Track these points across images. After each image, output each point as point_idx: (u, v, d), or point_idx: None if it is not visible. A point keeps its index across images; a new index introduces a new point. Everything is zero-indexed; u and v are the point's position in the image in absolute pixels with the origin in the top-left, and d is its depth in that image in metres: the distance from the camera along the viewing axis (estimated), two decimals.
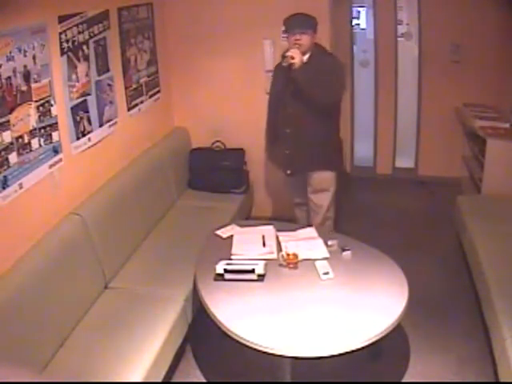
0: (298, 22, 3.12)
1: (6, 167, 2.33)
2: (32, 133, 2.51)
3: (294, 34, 3.10)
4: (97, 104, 3.12)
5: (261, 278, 2.60)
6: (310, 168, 3.37)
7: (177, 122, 4.35)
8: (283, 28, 3.18)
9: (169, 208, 3.78)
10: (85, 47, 2.96)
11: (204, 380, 2.77)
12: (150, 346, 2.40)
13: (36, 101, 2.53)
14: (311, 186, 3.42)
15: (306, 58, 3.14)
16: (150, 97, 3.88)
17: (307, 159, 3.33)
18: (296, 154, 3.33)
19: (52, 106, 2.66)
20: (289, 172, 3.42)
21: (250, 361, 2.73)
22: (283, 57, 3.10)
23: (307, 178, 3.42)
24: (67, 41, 2.78)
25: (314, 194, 3.44)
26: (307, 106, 3.14)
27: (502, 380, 2.40)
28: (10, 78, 2.33)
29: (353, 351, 2.18)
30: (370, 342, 2.21)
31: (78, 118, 2.93)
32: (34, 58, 2.49)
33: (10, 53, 2.32)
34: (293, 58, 3.04)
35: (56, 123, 2.71)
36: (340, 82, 3.19)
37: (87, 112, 3.02)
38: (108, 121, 3.26)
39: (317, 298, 2.48)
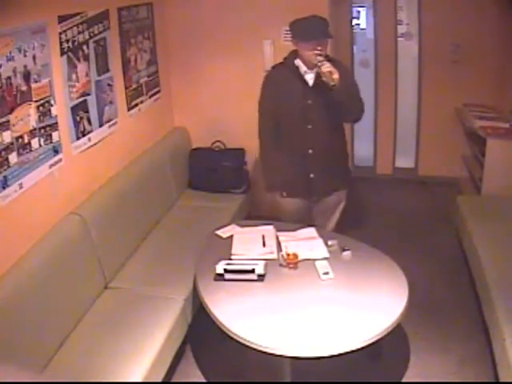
0: (319, 30, 2.72)
1: (6, 167, 2.33)
2: (32, 133, 2.51)
3: (314, 42, 2.69)
4: (97, 104, 3.12)
5: (261, 278, 2.60)
6: (334, 188, 3.08)
7: (177, 122, 4.35)
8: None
9: (169, 208, 3.78)
10: (85, 47, 2.96)
11: (204, 380, 2.77)
12: (149, 345, 2.40)
13: (36, 101, 2.53)
14: (328, 205, 3.16)
15: None
16: (150, 97, 3.88)
17: (332, 180, 3.03)
18: (322, 176, 2.98)
19: (52, 106, 2.66)
20: (315, 198, 3.09)
21: (250, 361, 2.73)
22: (322, 73, 2.67)
23: (324, 199, 3.14)
24: (67, 41, 2.78)
25: (329, 211, 3.21)
26: (337, 121, 2.90)
27: (501, 380, 2.40)
28: (9, 78, 2.33)
29: (353, 351, 2.18)
30: (370, 342, 2.21)
31: (78, 118, 2.93)
32: (34, 58, 2.49)
33: (10, 53, 2.32)
34: (332, 73, 2.63)
35: (56, 123, 2.71)
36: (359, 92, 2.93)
37: (87, 112, 3.03)
38: (108, 121, 3.26)
39: (317, 298, 2.48)
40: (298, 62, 2.88)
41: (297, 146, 2.98)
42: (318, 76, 2.78)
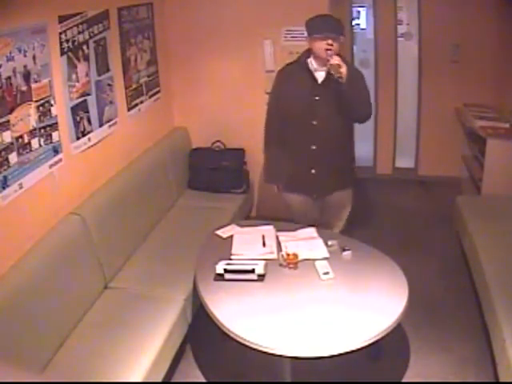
0: (332, 26, 2.79)
1: (5, 167, 2.33)
2: (32, 133, 2.51)
3: (324, 38, 2.75)
4: (97, 104, 3.11)
5: (261, 277, 2.60)
6: (338, 187, 3.09)
7: (177, 122, 4.35)
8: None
9: (169, 208, 3.78)
10: (85, 47, 2.96)
11: (204, 380, 2.77)
12: (149, 346, 2.40)
13: (36, 101, 2.53)
14: (332, 204, 3.17)
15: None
16: (150, 97, 3.88)
17: (335, 178, 3.04)
18: (324, 173, 3.00)
19: (52, 106, 2.66)
20: (315, 196, 3.11)
21: (250, 361, 2.73)
22: (330, 65, 2.73)
23: (328, 198, 3.15)
24: (67, 41, 2.78)
25: (334, 212, 3.23)
26: (344, 120, 2.92)
27: (501, 380, 2.40)
28: (9, 78, 2.33)
29: (353, 351, 2.18)
30: (370, 341, 2.21)
31: (78, 118, 2.93)
32: (34, 57, 2.49)
33: (10, 53, 2.32)
34: (340, 66, 2.70)
35: (56, 123, 2.71)
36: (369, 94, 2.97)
37: (87, 112, 3.02)
38: (108, 121, 3.26)
39: (317, 298, 2.48)
40: (310, 60, 2.91)
41: (301, 140, 2.99)
42: (329, 73, 2.81)
